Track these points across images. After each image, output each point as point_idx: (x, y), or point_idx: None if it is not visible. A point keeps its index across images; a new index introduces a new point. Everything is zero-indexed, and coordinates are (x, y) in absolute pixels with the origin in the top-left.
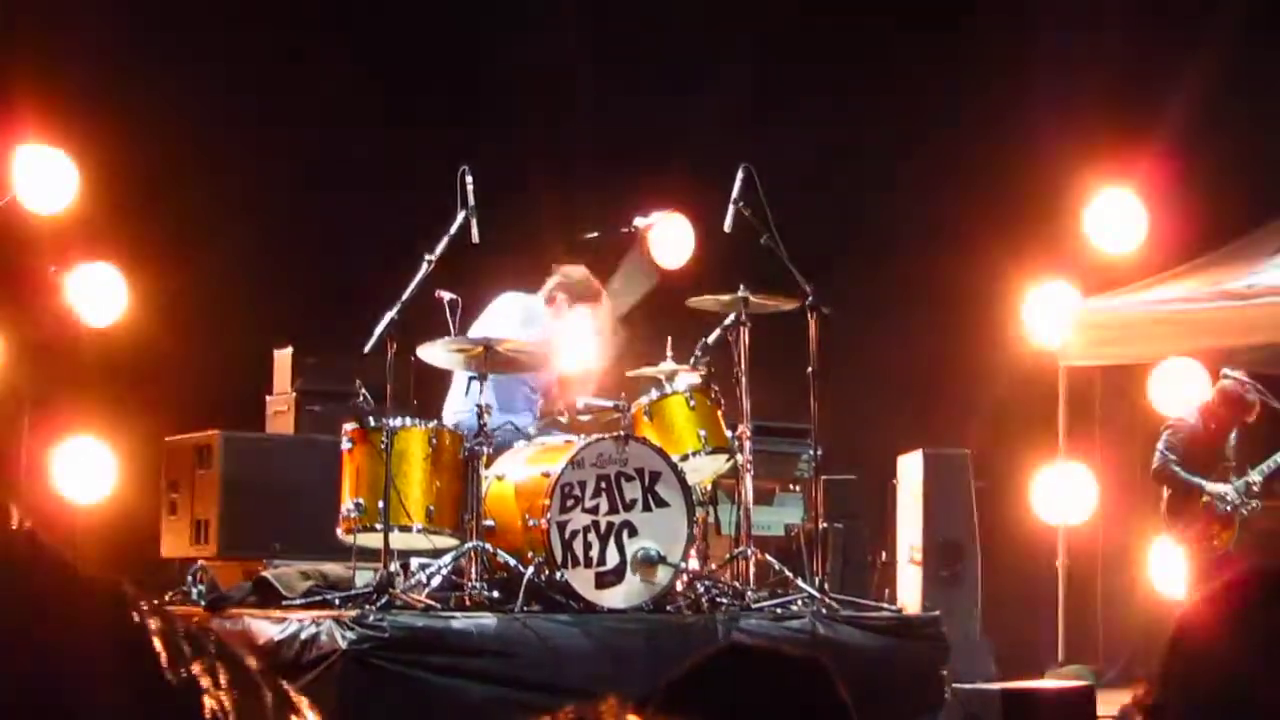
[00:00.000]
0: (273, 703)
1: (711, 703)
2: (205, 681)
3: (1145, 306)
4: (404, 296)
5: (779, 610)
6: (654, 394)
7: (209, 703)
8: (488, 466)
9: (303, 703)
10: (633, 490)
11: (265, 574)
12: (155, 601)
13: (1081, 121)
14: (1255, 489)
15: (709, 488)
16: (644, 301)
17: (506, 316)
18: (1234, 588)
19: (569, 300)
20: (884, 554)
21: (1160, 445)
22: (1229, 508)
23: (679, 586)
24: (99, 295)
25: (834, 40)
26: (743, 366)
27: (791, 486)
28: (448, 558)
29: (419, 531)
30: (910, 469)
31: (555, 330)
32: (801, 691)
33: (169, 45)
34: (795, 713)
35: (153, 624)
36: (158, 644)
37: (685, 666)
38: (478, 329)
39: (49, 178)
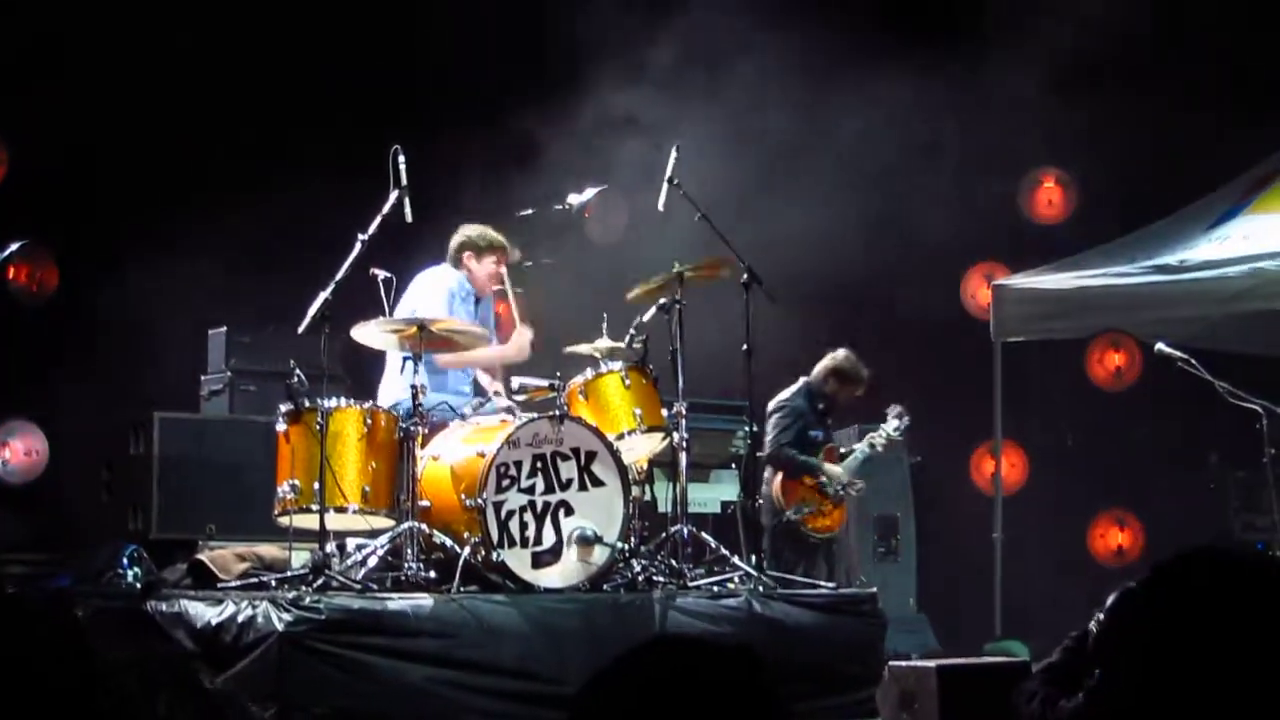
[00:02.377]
0: None
1: (640, 694)
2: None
3: (1078, 281)
4: (338, 276)
5: (715, 588)
6: (589, 373)
7: None
8: (423, 447)
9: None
10: (569, 470)
11: (201, 556)
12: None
13: (1017, 96)
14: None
15: (645, 466)
16: (577, 280)
17: (423, 291)
18: (1175, 570)
19: (476, 256)
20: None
21: (770, 429)
22: (839, 490)
23: (616, 565)
24: (32, 273)
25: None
26: (678, 344)
27: (728, 464)
28: (384, 539)
29: (355, 512)
30: (846, 445)
31: (484, 292)
32: (730, 682)
33: (105, 21)
34: (724, 703)
35: (122, 659)
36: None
37: (614, 659)
38: (404, 307)
39: None
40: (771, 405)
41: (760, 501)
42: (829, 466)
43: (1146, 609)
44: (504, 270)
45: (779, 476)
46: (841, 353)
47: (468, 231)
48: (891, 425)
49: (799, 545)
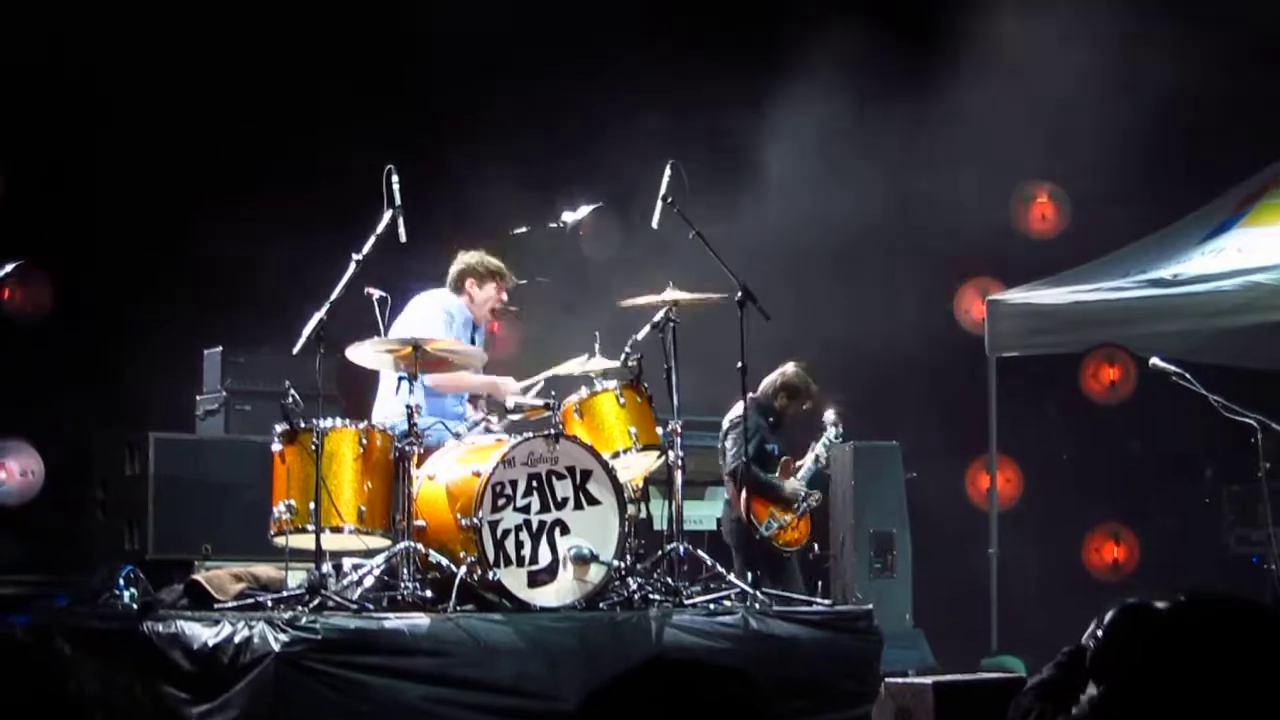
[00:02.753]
0: None
1: (638, 715)
2: None
3: (1072, 296)
4: (332, 296)
5: (712, 606)
6: (584, 392)
7: None
8: (418, 466)
9: None
10: (564, 488)
11: (197, 577)
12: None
13: (1005, 111)
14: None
15: (640, 484)
16: (572, 298)
17: (420, 314)
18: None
19: (477, 283)
20: (816, 546)
21: (730, 446)
22: (801, 505)
23: (612, 583)
24: (26, 294)
25: (754, 36)
26: (673, 363)
27: (723, 481)
28: (380, 558)
29: (350, 532)
30: (841, 461)
31: (483, 318)
32: (725, 703)
33: (103, 39)
34: None
35: (93, 687)
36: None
37: (611, 679)
38: (399, 329)
39: None
40: (725, 424)
41: (728, 522)
42: (788, 483)
43: (1169, 646)
44: (504, 296)
45: (743, 494)
46: (790, 367)
47: (468, 259)
48: (830, 433)
49: (771, 561)
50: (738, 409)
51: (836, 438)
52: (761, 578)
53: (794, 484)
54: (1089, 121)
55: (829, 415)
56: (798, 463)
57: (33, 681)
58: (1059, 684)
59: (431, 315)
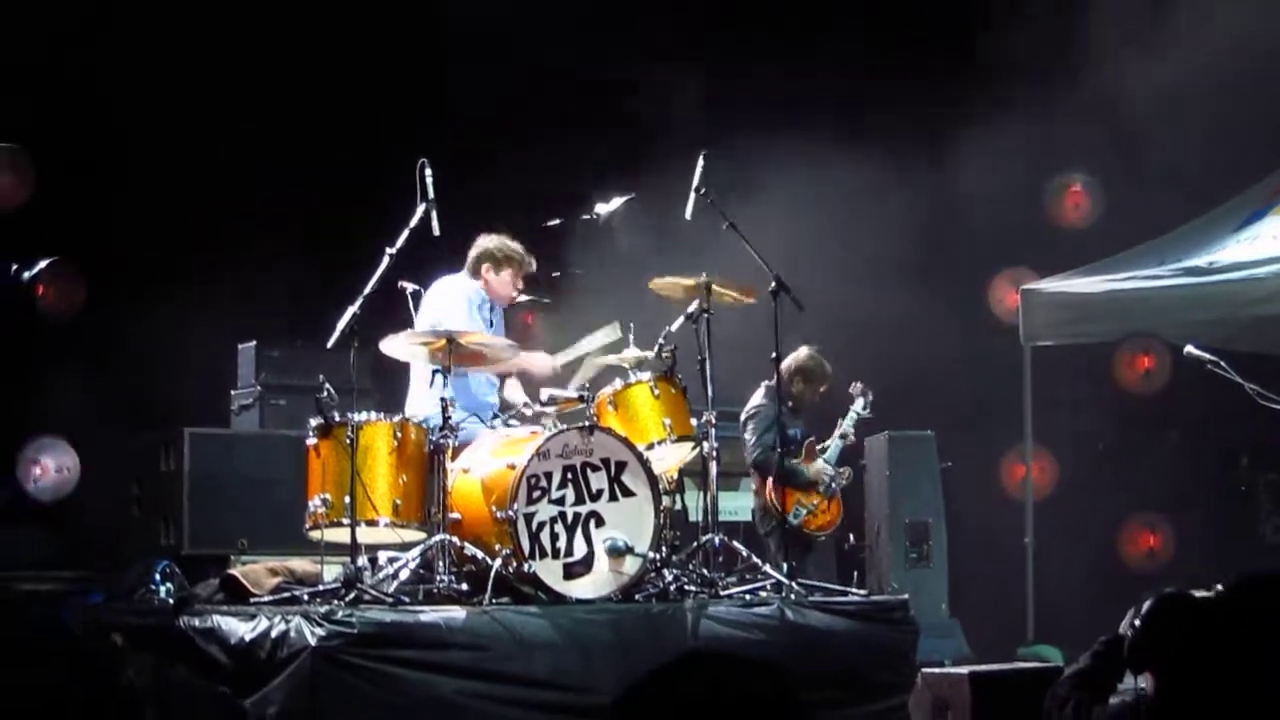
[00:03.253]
0: None
1: (674, 710)
2: None
3: (1107, 285)
4: (366, 290)
5: (747, 597)
6: (618, 383)
7: None
8: (453, 459)
9: None
10: (599, 480)
11: (233, 571)
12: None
13: (1043, 102)
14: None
15: (675, 476)
16: (605, 290)
17: (439, 301)
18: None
19: (494, 268)
20: (851, 536)
21: (750, 436)
22: (830, 485)
23: (647, 575)
24: (62, 290)
25: (793, 22)
26: (706, 353)
27: None
28: (415, 552)
29: (386, 526)
30: (876, 451)
31: (495, 298)
32: (759, 701)
33: (134, 38)
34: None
35: (142, 681)
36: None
37: (647, 673)
38: (422, 316)
39: (9, 172)
40: (744, 414)
41: (757, 512)
42: (812, 468)
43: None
44: (520, 283)
45: (769, 483)
46: (804, 351)
47: (486, 243)
48: (859, 405)
49: (804, 548)
50: (755, 398)
51: (864, 409)
52: (796, 567)
53: (818, 466)
54: (1124, 113)
55: (856, 387)
56: (822, 444)
57: (87, 673)
58: (1095, 674)
59: (452, 301)
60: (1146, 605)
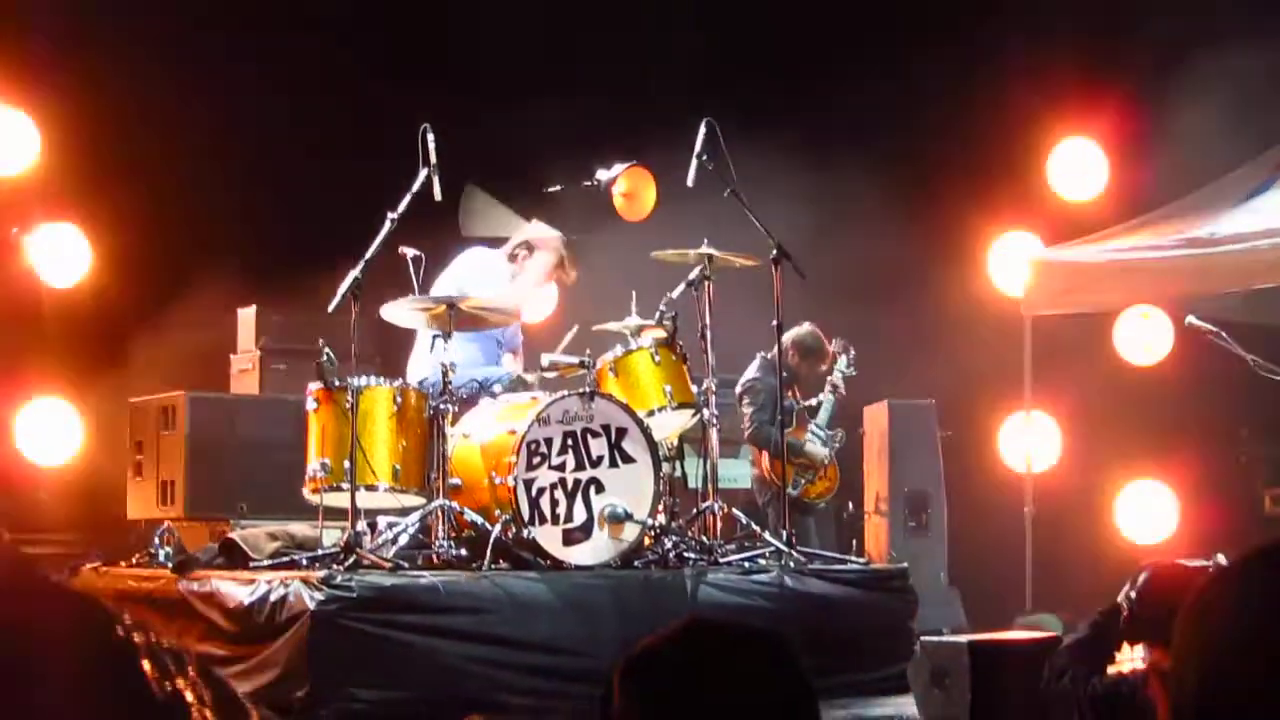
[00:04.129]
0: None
1: (672, 676)
2: (190, 697)
3: (1109, 255)
4: (367, 254)
5: (747, 564)
6: (619, 350)
7: (195, 717)
8: (453, 425)
9: None
10: (599, 447)
11: (232, 535)
12: (136, 620)
13: (1047, 72)
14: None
15: (675, 442)
16: (608, 255)
17: (468, 272)
18: (1256, 560)
19: (529, 255)
20: (851, 505)
21: (746, 409)
22: (827, 451)
23: (646, 542)
24: (61, 256)
25: None
26: (707, 321)
27: None
28: (415, 517)
29: (385, 491)
30: (876, 419)
31: (517, 286)
32: (761, 667)
33: (132, 6)
34: (755, 688)
35: (138, 639)
36: (145, 661)
37: (646, 640)
38: (441, 285)
39: (10, 138)
40: (739, 387)
41: (756, 482)
42: (808, 443)
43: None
44: (554, 279)
45: (765, 455)
46: (806, 327)
47: (533, 232)
48: (841, 363)
49: (805, 517)
50: (750, 370)
51: (848, 366)
52: (796, 535)
53: (813, 443)
54: (1132, 76)
55: (837, 344)
56: (814, 400)
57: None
58: (1094, 644)
59: (470, 272)
60: (1142, 576)
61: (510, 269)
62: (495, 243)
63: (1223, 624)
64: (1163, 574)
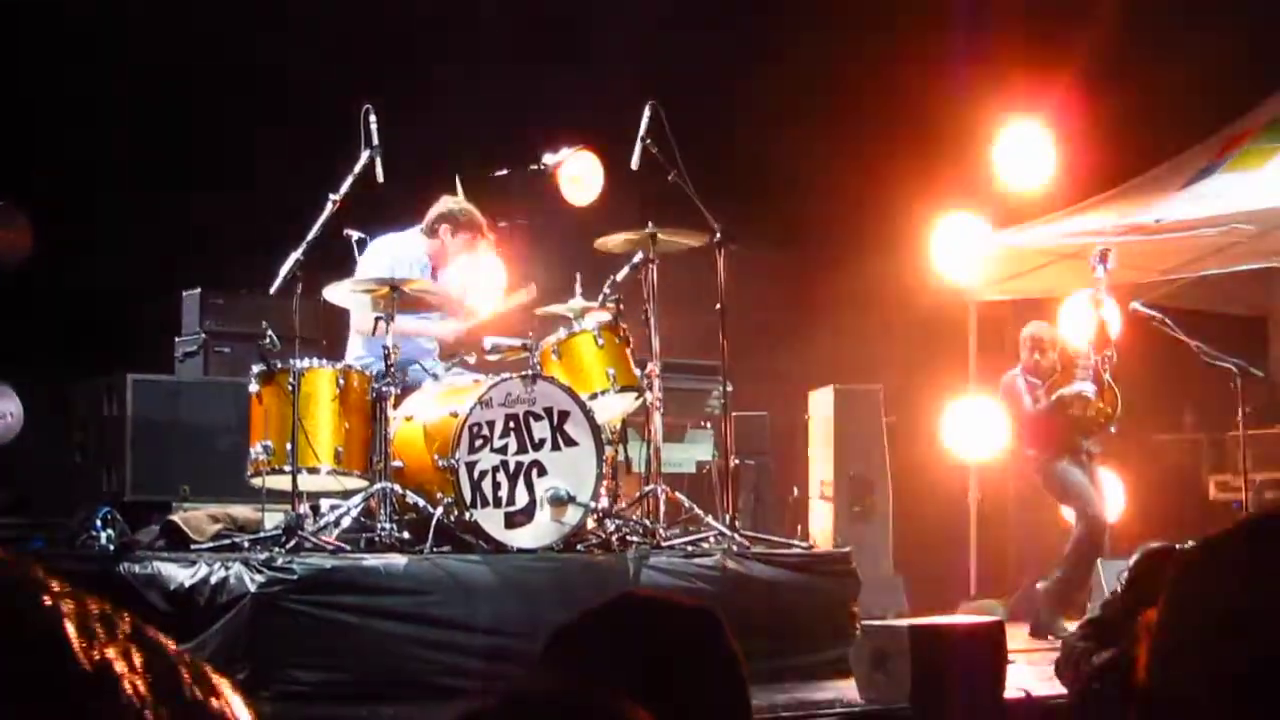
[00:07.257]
0: (191, 684)
1: (604, 651)
2: (120, 666)
3: (1054, 240)
4: (309, 236)
5: (690, 548)
6: (562, 333)
7: (126, 687)
8: (395, 407)
9: (223, 684)
10: (541, 430)
11: (174, 518)
12: (65, 586)
13: (991, 54)
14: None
15: (618, 426)
16: (552, 240)
17: (387, 260)
18: (1240, 533)
19: (452, 230)
20: (795, 490)
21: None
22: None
23: (589, 525)
24: (6, 236)
25: None
26: (652, 304)
27: (702, 423)
28: (357, 499)
29: (328, 473)
30: (821, 404)
31: (442, 264)
32: (692, 641)
33: None
34: (686, 661)
35: (65, 608)
36: (70, 630)
37: (579, 615)
38: (363, 272)
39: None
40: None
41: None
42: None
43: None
44: (473, 251)
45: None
46: (1031, 325)
47: (451, 205)
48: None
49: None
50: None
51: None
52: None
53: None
54: (1076, 60)
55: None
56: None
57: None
58: (1105, 624)
59: (395, 261)
60: (1133, 559)
61: (422, 246)
62: (403, 226)
63: (1202, 591)
64: (1156, 551)
